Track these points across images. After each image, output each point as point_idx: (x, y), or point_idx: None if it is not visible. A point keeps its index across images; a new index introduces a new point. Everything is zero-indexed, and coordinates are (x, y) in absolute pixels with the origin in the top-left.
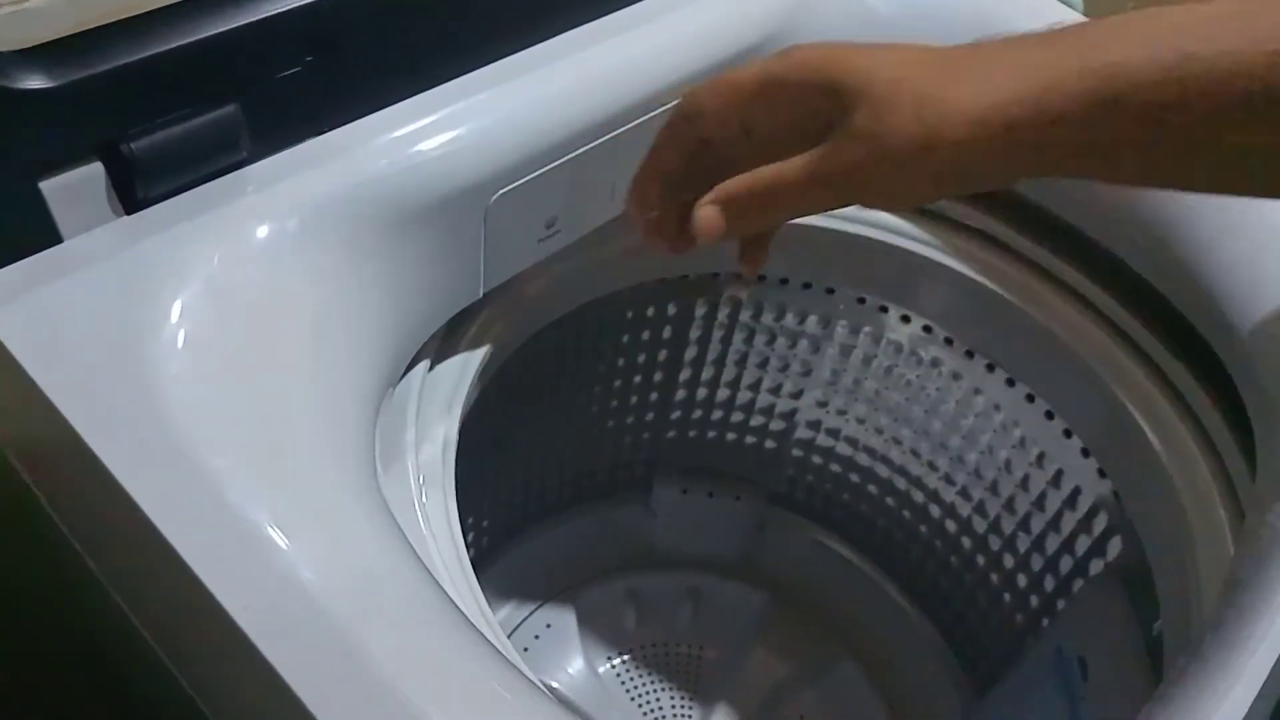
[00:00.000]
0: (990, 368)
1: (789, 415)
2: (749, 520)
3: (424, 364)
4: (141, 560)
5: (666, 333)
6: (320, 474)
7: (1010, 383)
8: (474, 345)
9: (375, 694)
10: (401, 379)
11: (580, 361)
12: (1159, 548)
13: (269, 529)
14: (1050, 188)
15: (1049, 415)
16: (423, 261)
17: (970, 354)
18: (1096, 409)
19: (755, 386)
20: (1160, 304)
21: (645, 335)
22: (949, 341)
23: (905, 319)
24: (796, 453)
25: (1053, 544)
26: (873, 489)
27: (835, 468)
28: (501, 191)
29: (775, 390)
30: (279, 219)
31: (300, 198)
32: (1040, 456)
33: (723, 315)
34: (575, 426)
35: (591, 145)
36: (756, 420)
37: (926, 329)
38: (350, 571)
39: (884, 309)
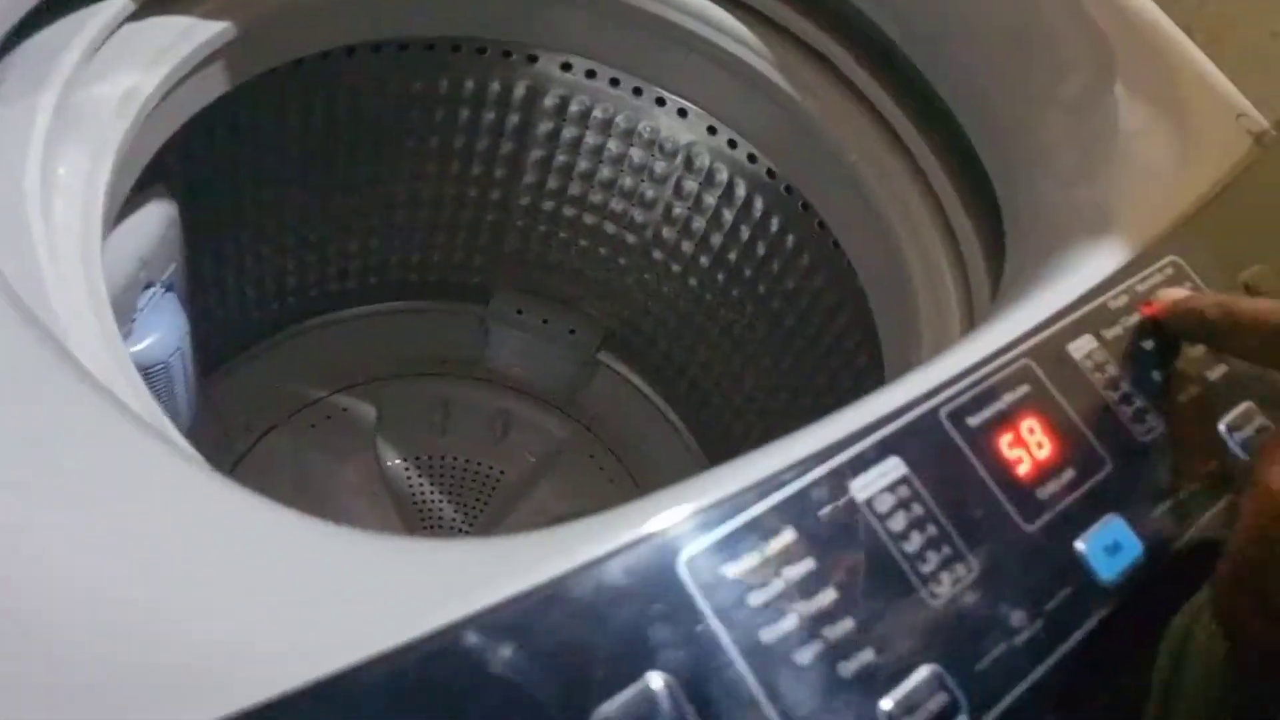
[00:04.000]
0: (788, 189)
1: (622, 245)
2: (578, 356)
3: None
4: None
5: (488, 118)
6: None
7: (805, 207)
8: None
9: None
10: None
11: (365, 125)
12: (895, 355)
13: None
14: None
15: (820, 225)
16: None
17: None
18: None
19: (580, 202)
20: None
21: (464, 115)
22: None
23: (732, 143)
24: (634, 295)
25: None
26: (701, 347)
27: (669, 318)
28: None
29: (600, 209)
30: None
31: None
32: (810, 267)
33: (544, 112)
34: (396, 209)
35: None
36: (584, 242)
37: (751, 157)
38: None
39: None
